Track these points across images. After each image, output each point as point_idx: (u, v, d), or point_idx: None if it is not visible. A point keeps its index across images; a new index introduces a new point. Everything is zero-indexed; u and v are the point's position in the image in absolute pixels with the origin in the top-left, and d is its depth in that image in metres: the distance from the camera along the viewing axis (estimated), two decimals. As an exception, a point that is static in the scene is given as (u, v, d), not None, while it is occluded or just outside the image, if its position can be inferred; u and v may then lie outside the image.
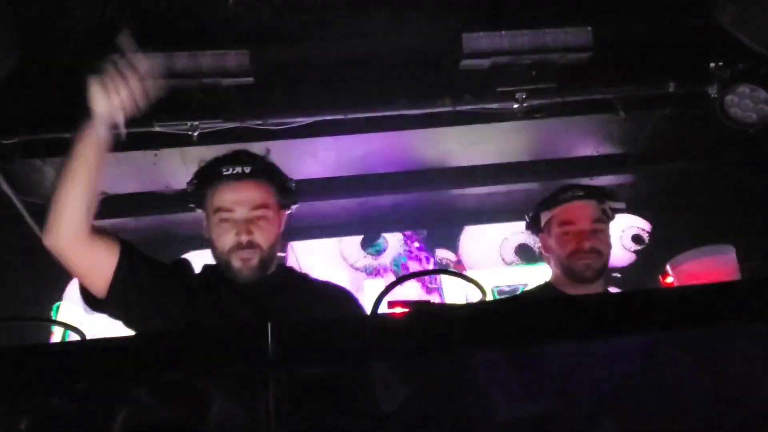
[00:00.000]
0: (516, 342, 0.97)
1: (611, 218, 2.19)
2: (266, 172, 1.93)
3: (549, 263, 2.22)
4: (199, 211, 2.02)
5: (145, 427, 0.86)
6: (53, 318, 4.28)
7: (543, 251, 2.25)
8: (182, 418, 0.87)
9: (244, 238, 1.85)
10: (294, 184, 2.02)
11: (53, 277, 4.26)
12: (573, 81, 3.74)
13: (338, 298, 2.01)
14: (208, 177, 1.93)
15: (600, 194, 2.20)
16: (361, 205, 4.32)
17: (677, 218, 4.23)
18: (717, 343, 0.94)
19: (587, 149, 4.17)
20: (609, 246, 2.12)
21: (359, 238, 4.56)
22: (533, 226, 2.29)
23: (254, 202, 1.88)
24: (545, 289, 2.17)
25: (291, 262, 4.31)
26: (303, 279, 2.15)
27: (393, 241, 4.54)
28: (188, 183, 2.01)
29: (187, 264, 2.01)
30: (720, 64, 3.68)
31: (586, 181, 4.20)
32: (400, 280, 1.43)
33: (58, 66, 3.59)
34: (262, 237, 1.88)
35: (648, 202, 4.31)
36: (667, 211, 4.35)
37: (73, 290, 4.32)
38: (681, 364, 0.93)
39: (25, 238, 4.08)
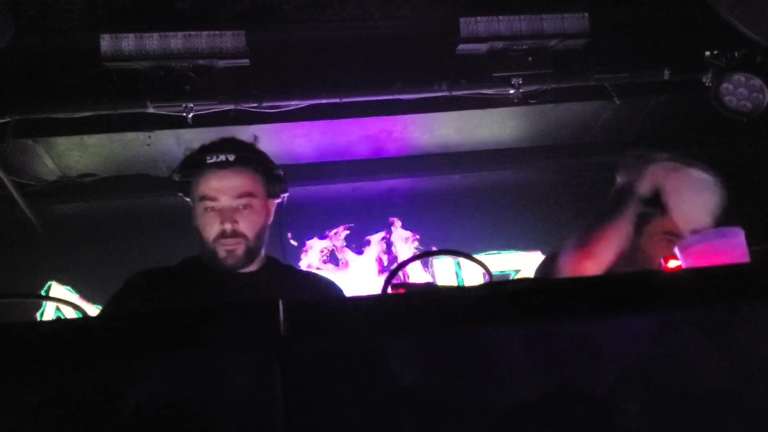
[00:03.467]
0: (530, 320, 0.97)
1: None
2: (252, 160, 1.90)
3: None
4: (187, 199, 1.99)
5: (157, 404, 0.86)
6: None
7: None
8: (195, 395, 0.86)
9: (228, 227, 1.82)
10: (282, 172, 1.98)
11: (43, 257, 4.25)
12: (569, 67, 3.74)
13: (323, 288, 1.99)
14: (193, 165, 1.90)
15: None
16: (355, 190, 4.31)
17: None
18: (731, 323, 0.95)
19: (582, 135, 4.17)
20: None
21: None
22: None
23: (239, 191, 1.85)
24: None
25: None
26: (288, 270, 2.13)
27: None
28: (174, 171, 1.98)
29: (138, 280, 1.98)
30: (715, 52, 3.69)
31: (576, 166, 4.22)
32: (409, 261, 1.43)
33: (50, 45, 3.55)
34: (247, 226, 1.85)
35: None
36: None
37: (62, 271, 4.31)
38: (696, 343, 0.94)
39: (16, 218, 4.06)
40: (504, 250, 4.50)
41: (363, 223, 4.32)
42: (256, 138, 2.02)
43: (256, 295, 1.84)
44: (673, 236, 2.06)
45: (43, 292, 4.25)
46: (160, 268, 1.98)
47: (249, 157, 1.90)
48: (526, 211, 4.39)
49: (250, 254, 1.87)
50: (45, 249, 4.24)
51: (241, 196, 1.85)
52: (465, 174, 4.33)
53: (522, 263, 4.51)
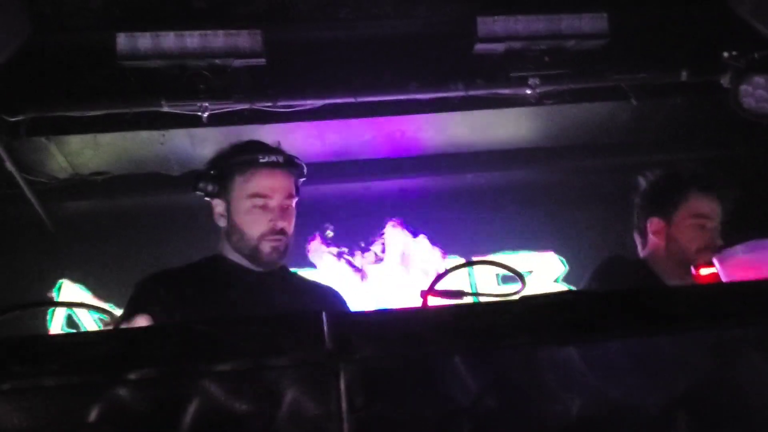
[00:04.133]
0: (581, 337, 0.95)
1: None
2: (294, 164, 2.01)
3: (654, 247, 2.13)
4: (208, 198, 2.03)
5: (216, 418, 0.84)
6: (55, 297, 4.26)
7: (653, 234, 2.14)
8: (254, 410, 0.85)
9: (279, 225, 1.90)
10: (302, 181, 2.07)
11: (55, 255, 4.23)
12: (586, 67, 3.72)
13: (327, 297, 2.04)
14: (239, 163, 1.95)
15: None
16: (368, 190, 4.29)
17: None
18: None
19: (599, 136, 4.15)
20: None
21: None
22: (655, 205, 2.17)
23: (288, 191, 1.95)
24: (638, 267, 2.10)
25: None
26: (298, 277, 2.20)
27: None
28: (206, 169, 2.00)
29: (156, 279, 2.01)
30: (734, 53, 3.65)
31: (593, 167, 4.20)
32: (449, 271, 1.42)
33: (66, 43, 3.53)
34: (290, 225, 1.95)
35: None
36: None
37: (74, 269, 4.29)
38: (752, 362, 0.92)
39: (29, 215, 4.05)
40: (517, 250, 4.48)
41: (375, 222, 4.30)
42: (278, 143, 2.08)
43: (271, 297, 1.90)
44: (704, 218, 2.06)
45: (55, 290, 4.24)
46: (172, 270, 2.02)
47: (293, 161, 2.00)
48: (540, 211, 4.36)
49: (287, 250, 1.97)
50: (57, 247, 4.23)
51: (289, 196, 1.95)
52: (479, 174, 4.30)
53: (535, 264, 4.49)
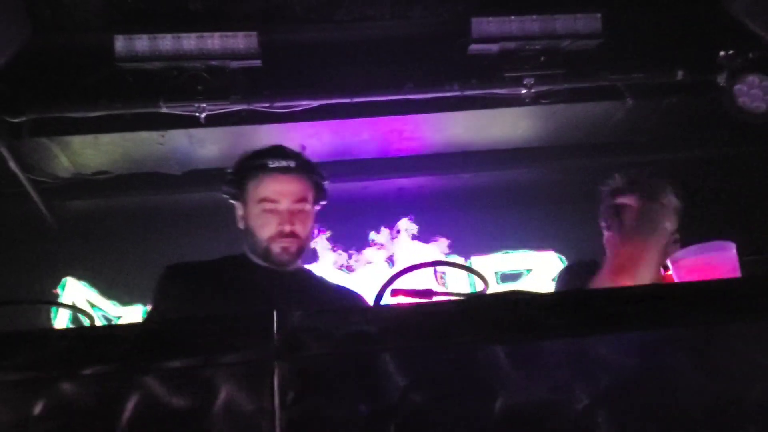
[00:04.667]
0: (516, 337, 0.98)
1: None
2: (308, 169, 2.04)
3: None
4: (233, 202, 2.10)
5: (154, 414, 0.88)
6: (60, 294, 4.33)
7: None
8: (190, 405, 0.89)
9: (287, 228, 1.95)
10: (326, 183, 2.12)
11: (58, 253, 4.31)
12: (581, 67, 3.73)
13: (346, 299, 2.08)
14: (251, 168, 2.02)
15: None
16: (364, 189, 4.33)
17: (683, 207, 4.22)
18: (714, 343, 0.95)
19: (594, 136, 4.16)
20: None
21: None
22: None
23: (297, 195, 1.98)
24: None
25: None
26: (319, 278, 2.25)
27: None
28: (228, 173, 2.10)
29: (178, 275, 2.04)
30: (730, 52, 3.66)
31: (588, 166, 4.21)
32: (402, 272, 1.45)
33: (65, 45, 3.59)
34: (302, 228, 1.99)
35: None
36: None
37: (77, 267, 4.37)
38: (677, 363, 0.94)
39: (32, 214, 4.12)
40: (515, 249, 4.50)
41: (372, 222, 4.34)
42: (303, 148, 2.13)
43: (291, 297, 1.95)
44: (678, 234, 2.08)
45: (60, 288, 4.32)
46: (199, 263, 2.07)
47: (306, 166, 2.04)
48: (538, 210, 4.38)
49: (300, 252, 2.01)
50: (60, 245, 4.30)
51: (298, 200, 1.98)
52: (476, 173, 4.33)
53: (534, 263, 4.51)
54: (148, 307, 4.29)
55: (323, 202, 2.11)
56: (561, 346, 0.95)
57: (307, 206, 2.01)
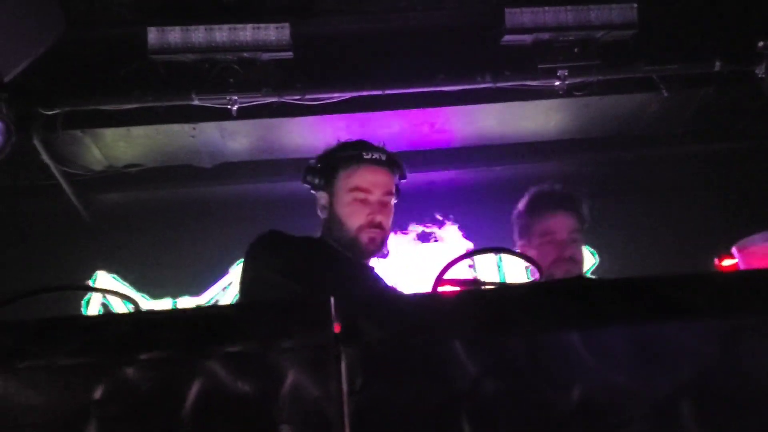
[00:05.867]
0: (588, 323, 0.96)
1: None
2: (396, 163, 2.09)
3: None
4: (313, 191, 2.13)
5: (219, 399, 0.87)
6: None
7: None
8: (256, 390, 0.87)
9: (377, 218, 1.98)
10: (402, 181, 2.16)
11: (90, 246, 4.34)
12: (616, 58, 3.67)
13: None
14: (345, 159, 2.05)
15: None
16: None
17: (720, 199, 4.16)
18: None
19: (629, 128, 4.10)
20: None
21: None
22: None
23: (388, 188, 2.03)
24: None
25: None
26: (379, 275, 2.26)
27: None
28: (314, 162, 2.13)
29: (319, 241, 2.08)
30: (769, 42, 3.58)
31: (623, 159, 4.17)
32: (460, 258, 1.43)
33: (98, 38, 3.61)
34: (387, 220, 2.03)
35: (690, 183, 4.24)
36: (709, 192, 4.28)
37: (108, 259, 4.39)
38: (762, 350, 0.91)
39: (65, 207, 4.15)
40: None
41: (404, 216, 4.31)
42: (383, 145, 2.16)
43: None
44: (550, 234, 2.17)
45: (91, 282, 4.34)
46: (288, 236, 2.05)
47: (395, 160, 2.08)
48: (570, 204, 4.32)
49: (383, 244, 2.04)
50: (92, 237, 4.33)
51: (388, 193, 2.03)
52: (507, 166, 4.28)
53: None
54: (178, 301, 4.37)
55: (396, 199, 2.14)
56: (637, 334, 0.92)
57: (392, 200, 2.07)
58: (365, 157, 2.02)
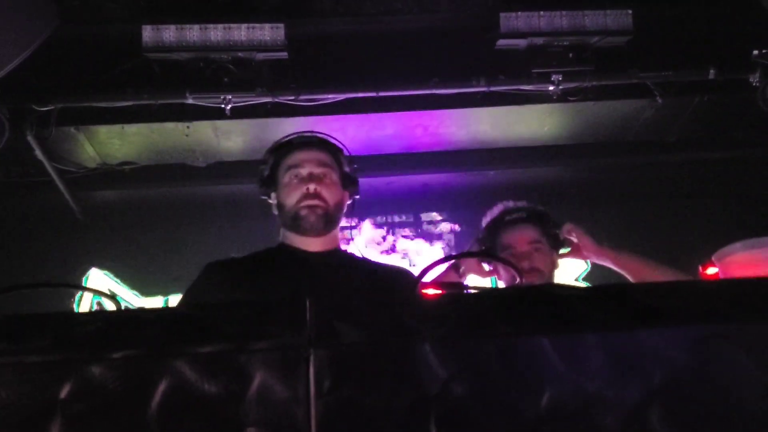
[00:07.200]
0: (562, 329, 0.96)
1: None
2: (328, 145, 2.13)
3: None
4: (265, 198, 2.15)
5: (185, 399, 0.86)
6: (84, 283, 4.36)
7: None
8: (223, 391, 0.87)
9: (311, 187, 1.99)
10: (356, 176, 2.16)
11: (84, 243, 4.33)
12: (610, 64, 3.67)
13: (396, 278, 2.08)
14: (279, 149, 2.11)
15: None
16: (389, 185, 4.30)
17: (713, 207, 4.17)
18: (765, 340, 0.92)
19: (622, 134, 4.10)
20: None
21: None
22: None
23: (318, 160, 2.04)
24: None
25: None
26: (362, 260, 2.29)
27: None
28: (263, 166, 2.16)
29: (218, 263, 2.08)
30: (763, 51, 3.58)
31: (616, 165, 4.18)
32: (439, 261, 1.42)
33: (93, 35, 3.61)
34: (327, 192, 2.02)
35: (682, 190, 4.25)
36: (701, 200, 4.28)
37: (101, 256, 4.39)
38: (732, 359, 0.91)
39: (58, 204, 4.15)
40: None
41: (396, 217, 4.32)
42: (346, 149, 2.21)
43: (333, 277, 1.97)
44: (510, 248, 2.20)
45: (84, 280, 4.34)
46: (237, 258, 2.10)
47: (327, 142, 2.12)
48: (562, 208, 4.32)
49: (328, 219, 2.02)
50: (85, 235, 4.33)
51: (321, 165, 2.04)
52: (501, 171, 4.29)
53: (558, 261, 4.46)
54: (169, 299, 4.37)
55: (355, 196, 2.14)
56: (608, 339, 0.92)
57: (332, 174, 2.06)
58: (295, 141, 2.09)
